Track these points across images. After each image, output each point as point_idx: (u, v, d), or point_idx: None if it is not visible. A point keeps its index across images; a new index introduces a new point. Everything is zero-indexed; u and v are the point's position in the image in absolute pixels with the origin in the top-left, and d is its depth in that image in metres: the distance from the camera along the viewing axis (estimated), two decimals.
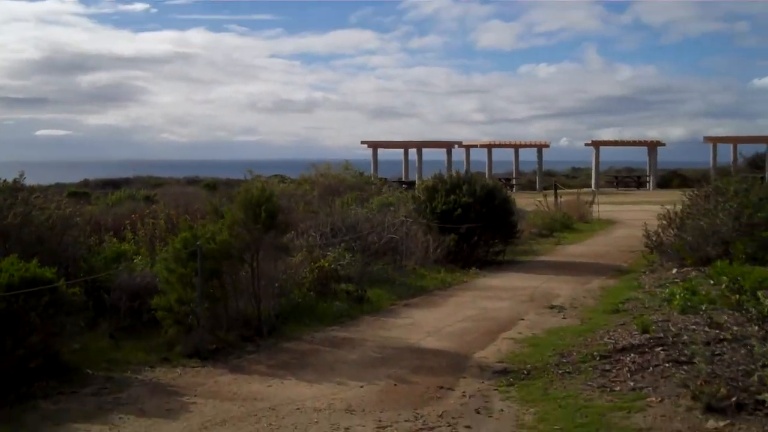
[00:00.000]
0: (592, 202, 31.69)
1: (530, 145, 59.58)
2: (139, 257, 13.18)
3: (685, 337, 10.18)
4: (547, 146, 59.15)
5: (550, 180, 50.81)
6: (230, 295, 11.25)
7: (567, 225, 27.41)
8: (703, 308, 11.48)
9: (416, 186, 19.91)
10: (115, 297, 11.50)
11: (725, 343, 9.82)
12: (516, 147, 59.50)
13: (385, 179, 43.51)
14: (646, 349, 9.91)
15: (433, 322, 12.30)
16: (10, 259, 9.70)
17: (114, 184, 47.31)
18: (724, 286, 11.04)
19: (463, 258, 18.42)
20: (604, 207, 32.35)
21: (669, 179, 61.48)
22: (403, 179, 52.63)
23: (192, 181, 49.85)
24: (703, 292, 12.42)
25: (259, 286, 11.60)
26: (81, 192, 34.41)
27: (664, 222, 17.66)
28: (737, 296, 10.46)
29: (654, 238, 17.82)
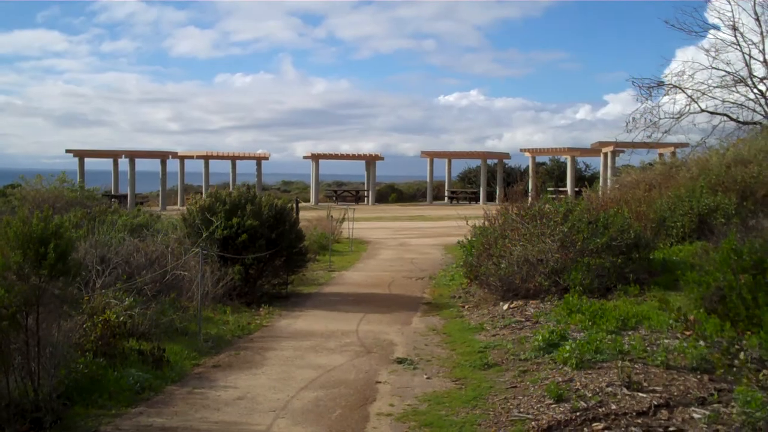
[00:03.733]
0: (342, 220, 29.63)
1: (249, 157, 56.92)
2: None
3: (614, 406, 8.12)
4: (266, 158, 56.83)
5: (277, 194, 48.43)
6: None
7: (324, 246, 25.01)
8: (616, 362, 9.43)
9: (191, 203, 16.50)
10: None
11: (663, 410, 7.95)
12: (233, 159, 56.55)
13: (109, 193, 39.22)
14: (582, 428, 7.72)
15: (269, 394, 9.36)
16: None
17: None
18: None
19: (247, 293, 15.48)
20: (348, 225, 30.30)
21: (386, 193, 61.51)
22: (113, 192, 48.02)
23: None
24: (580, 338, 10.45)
25: (38, 357, 8.11)
26: None
27: (479, 248, 15.70)
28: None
29: (470, 267, 15.86)
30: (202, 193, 46.51)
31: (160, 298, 12.67)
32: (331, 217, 28.49)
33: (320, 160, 57.36)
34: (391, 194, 61.03)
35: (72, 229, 11.48)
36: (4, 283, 7.68)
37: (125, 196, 47.91)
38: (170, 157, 53.66)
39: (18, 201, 26.77)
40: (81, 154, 50.00)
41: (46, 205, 14.21)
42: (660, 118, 22.80)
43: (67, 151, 50.15)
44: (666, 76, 23.28)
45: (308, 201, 54.76)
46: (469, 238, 17.39)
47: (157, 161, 52.86)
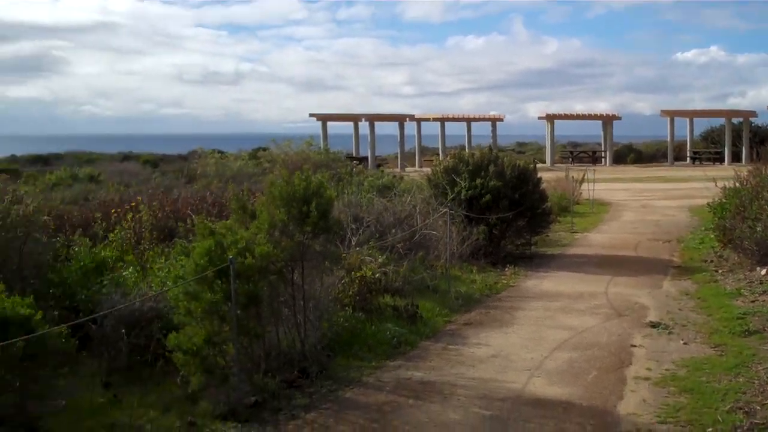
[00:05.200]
0: (582, 181, 29.07)
1: (484, 119, 56.96)
2: (126, 267, 9.96)
3: None
4: (501, 120, 56.65)
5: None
6: (268, 326, 8.21)
7: (564, 207, 24.68)
8: None
9: (436, 164, 16.71)
10: (107, 328, 8.34)
11: None
12: (469, 120, 56.73)
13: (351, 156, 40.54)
14: None
15: (522, 353, 9.42)
16: None
17: (44, 161, 43.26)
18: None
19: (492, 253, 15.57)
20: (588, 186, 29.61)
21: (624, 154, 59.64)
22: (354, 155, 49.48)
23: (127, 157, 45.94)
24: None
25: (304, 310, 8.57)
26: (11, 169, 30.53)
27: (732, 211, 14.95)
28: None
29: (722, 230, 15.17)
30: (439, 155, 47.15)
31: (410, 256, 12.99)
32: (572, 177, 28.02)
33: (555, 121, 56.48)
34: (628, 155, 59.10)
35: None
36: (272, 240, 8.14)
37: (366, 158, 49.27)
38: (407, 120, 54.61)
39: (268, 163, 28.25)
40: (324, 118, 51.90)
41: (306, 165, 14.84)
42: None
43: (311, 115, 52.17)
44: None
45: (543, 162, 54.14)
46: (720, 200, 16.58)
47: (393, 124, 53.97)
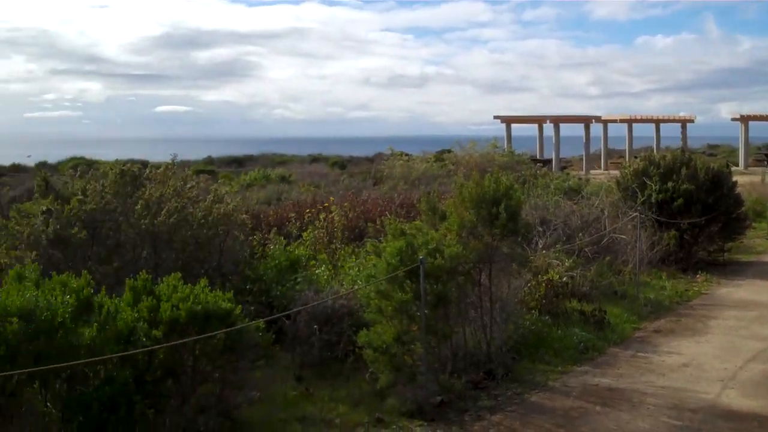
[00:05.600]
0: None
1: (673, 120, 54.99)
2: (318, 266, 10.28)
3: None
4: (692, 121, 54.55)
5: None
6: (455, 327, 8.30)
7: (759, 213, 23.54)
8: None
9: (625, 166, 16.35)
10: (300, 323, 8.65)
11: None
12: (657, 122, 54.95)
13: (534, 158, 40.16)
14: None
15: (715, 363, 9.09)
16: (171, 280, 6.93)
17: (238, 162, 45.15)
18: None
19: (682, 259, 15.08)
20: None
21: None
22: (538, 157, 48.95)
23: (315, 159, 47.27)
24: None
25: (491, 311, 8.60)
26: (208, 170, 32.02)
27: None
28: None
29: None
30: (625, 157, 45.98)
31: (597, 260, 12.77)
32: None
33: (750, 122, 53.90)
34: None
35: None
36: (461, 241, 8.22)
37: (549, 161, 48.63)
38: (593, 121, 53.46)
39: (452, 165, 28.36)
40: (508, 120, 51.61)
41: (496, 167, 14.86)
42: None
43: (495, 117, 51.97)
44: None
45: (736, 165, 51.80)
46: None
47: (577, 126, 53.02)
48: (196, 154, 50.94)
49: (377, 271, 8.00)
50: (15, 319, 5.55)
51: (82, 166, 11.77)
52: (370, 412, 7.46)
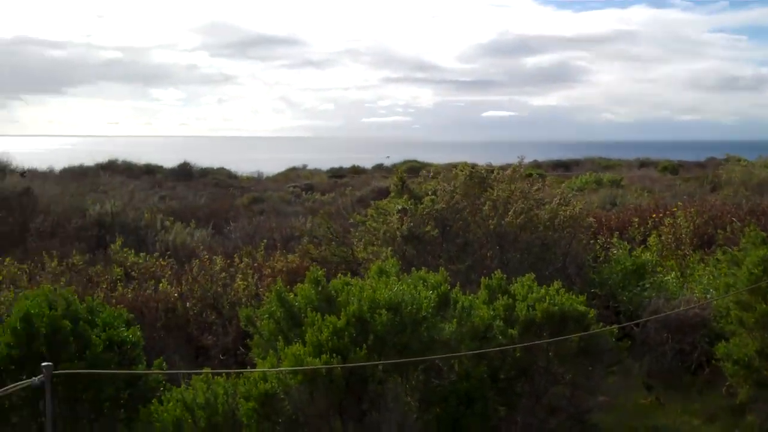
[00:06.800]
0: None
1: None
2: (666, 272, 9.95)
3: None
4: None
5: None
6: None
7: None
8: None
9: None
10: (650, 330, 8.42)
11: None
12: None
13: None
14: None
15: None
16: (525, 280, 7.01)
17: (564, 166, 44.91)
18: None
19: None
20: None
21: None
22: None
23: (643, 164, 45.84)
24: None
25: None
26: (536, 173, 32.14)
27: None
28: None
29: None
30: None
31: None
32: None
33: None
34: None
35: None
36: None
37: None
38: None
39: None
40: None
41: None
42: None
43: None
44: None
45: None
46: None
47: None
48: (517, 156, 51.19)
49: (737, 281, 7.59)
50: (384, 311, 5.85)
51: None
52: (727, 429, 7.12)
